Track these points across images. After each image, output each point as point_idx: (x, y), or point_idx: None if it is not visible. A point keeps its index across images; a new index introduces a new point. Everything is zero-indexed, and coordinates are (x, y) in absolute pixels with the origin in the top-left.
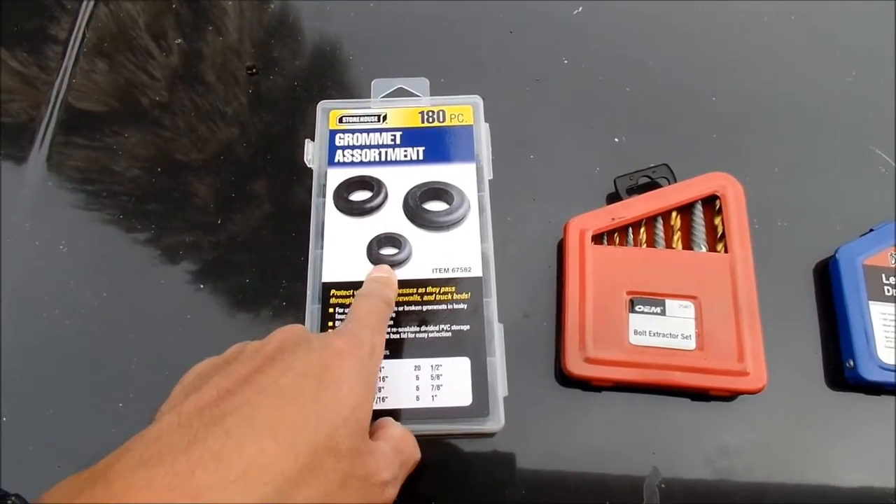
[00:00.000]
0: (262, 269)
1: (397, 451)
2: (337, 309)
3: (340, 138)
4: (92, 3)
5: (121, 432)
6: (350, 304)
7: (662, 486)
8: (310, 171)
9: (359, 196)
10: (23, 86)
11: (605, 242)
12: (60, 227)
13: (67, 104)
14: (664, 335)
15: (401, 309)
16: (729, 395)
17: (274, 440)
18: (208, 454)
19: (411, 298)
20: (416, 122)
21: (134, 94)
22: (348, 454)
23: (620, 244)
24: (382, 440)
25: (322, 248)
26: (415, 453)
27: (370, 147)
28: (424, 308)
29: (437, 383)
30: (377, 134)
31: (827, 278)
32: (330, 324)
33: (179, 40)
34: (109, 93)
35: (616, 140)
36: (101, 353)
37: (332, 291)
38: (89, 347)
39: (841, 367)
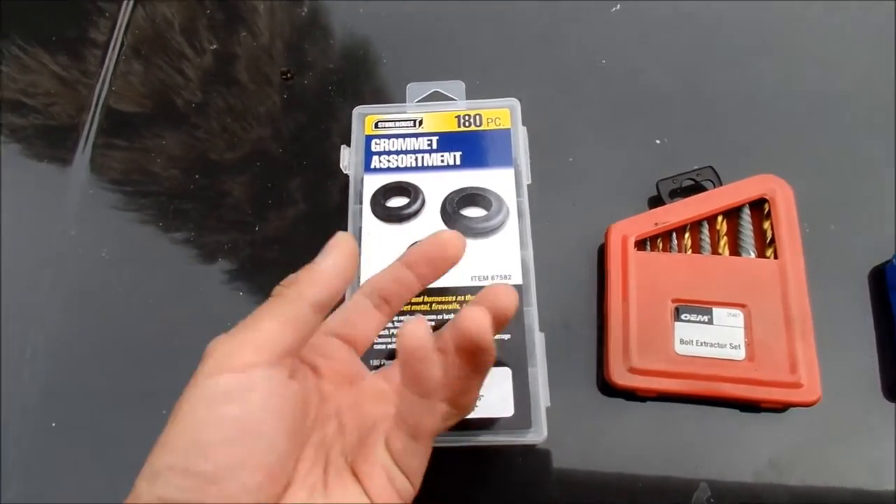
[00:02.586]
0: None
1: None
2: None
3: (376, 144)
4: (130, 7)
5: None
6: None
7: (711, 500)
8: (345, 175)
9: (396, 202)
10: (64, 89)
11: (649, 248)
12: (103, 232)
13: (108, 107)
14: (712, 345)
15: (439, 318)
16: (780, 407)
17: None
18: None
19: (450, 307)
20: (453, 127)
21: (171, 96)
22: None
23: (664, 250)
24: None
25: (359, 256)
26: None
27: (406, 153)
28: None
29: None
30: (413, 139)
31: (883, 284)
32: None
33: (215, 45)
34: (147, 95)
35: (658, 142)
36: (146, 360)
37: None
38: (134, 355)
39: None
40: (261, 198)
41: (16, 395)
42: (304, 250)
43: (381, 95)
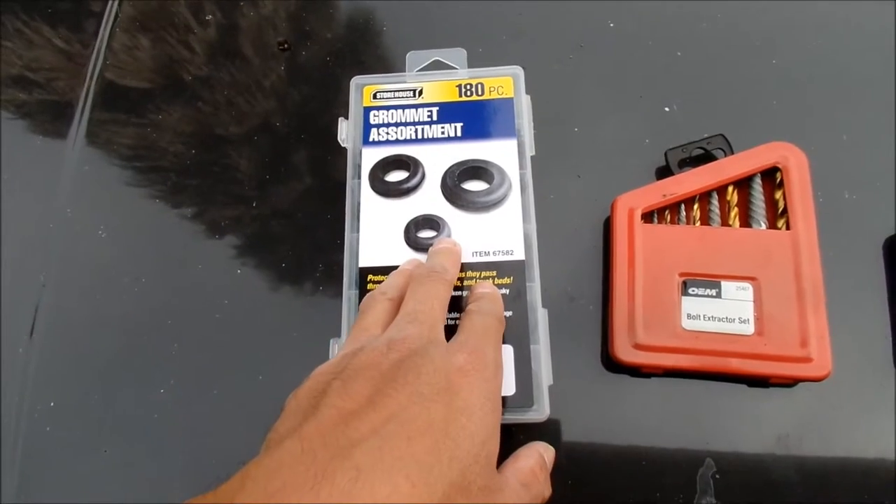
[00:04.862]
0: (298, 252)
1: (526, 487)
2: None
3: (375, 116)
4: None
5: (162, 418)
6: None
7: (717, 477)
8: (345, 149)
9: (395, 177)
10: (67, 63)
11: (656, 220)
12: (98, 210)
13: (103, 79)
14: (720, 319)
15: None
16: (790, 383)
17: (407, 479)
18: (338, 493)
19: None
20: (454, 97)
21: (168, 69)
22: (479, 493)
23: (672, 222)
24: (509, 473)
25: (358, 232)
26: (545, 490)
27: (406, 124)
28: (465, 294)
29: None
30: (413, 110)
31: None
32: None
33: (209, 16)
34: (144, 68)
35: (667, 109)
36: (142, 339)
37: (370, 276)
38: (130, 334)
39: None
40: (261, 172)
41: (10, 380)
42: (305, 231)
43: (381, 65)
